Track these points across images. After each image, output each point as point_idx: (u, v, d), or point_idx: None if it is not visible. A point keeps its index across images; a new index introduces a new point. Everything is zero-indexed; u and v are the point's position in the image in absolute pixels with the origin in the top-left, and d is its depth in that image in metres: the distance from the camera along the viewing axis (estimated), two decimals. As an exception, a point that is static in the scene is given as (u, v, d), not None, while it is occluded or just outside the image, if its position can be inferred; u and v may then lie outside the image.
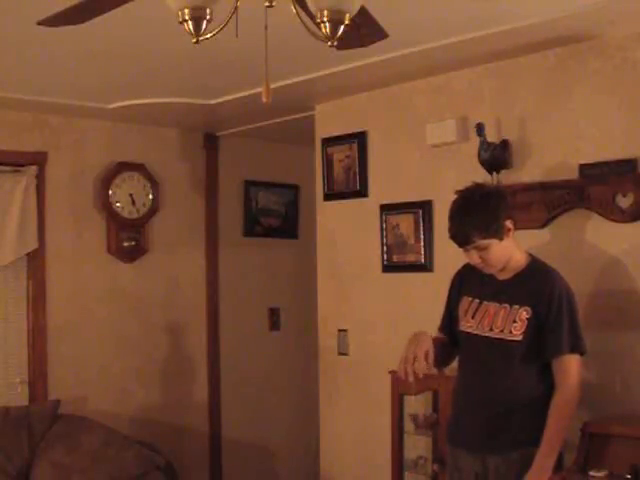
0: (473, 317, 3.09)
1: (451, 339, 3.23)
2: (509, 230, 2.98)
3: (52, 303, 5.00)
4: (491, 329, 3.03)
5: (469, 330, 3.10)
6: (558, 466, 2.98)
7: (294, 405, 6.05)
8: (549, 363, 2.97)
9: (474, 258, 2.99)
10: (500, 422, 2.98)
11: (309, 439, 5.87)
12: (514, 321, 2.98)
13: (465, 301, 3.15)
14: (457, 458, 3.13)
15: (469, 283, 3.18)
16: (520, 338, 2.96)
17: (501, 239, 2.95)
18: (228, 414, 5.70)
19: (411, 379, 2.97)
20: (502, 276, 3.06)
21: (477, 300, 3.11)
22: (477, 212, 2.94)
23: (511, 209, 3.07)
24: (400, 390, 3.95)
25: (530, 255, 3.10)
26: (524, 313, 2.97)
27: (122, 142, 5.29)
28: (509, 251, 3.01)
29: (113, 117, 5.08)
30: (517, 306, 2.99)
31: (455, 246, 3.03)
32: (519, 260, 3.06)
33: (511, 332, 2.97)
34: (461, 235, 2.97)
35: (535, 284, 3.00)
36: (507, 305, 3.01)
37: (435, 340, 3.11)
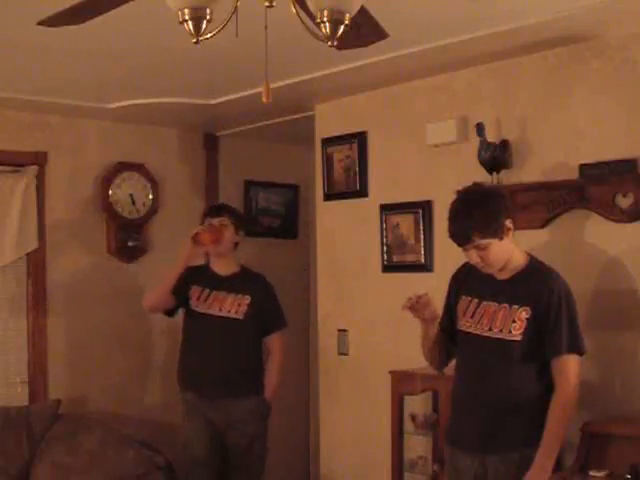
0: (472, 317, 3.09)
1: (449, 339, 3.23)
2: (509, 230, 2.99)
3: (52, 303, 5.00)
4: (490, 329, 3.03)
5: (468, 330, 3.10)
6: (558, 466, 2.98)
7: (294, 405, 6.04)
8: (548, 363, 2.97)
9: (474, 258, 2.99)
10: (499, 422, 2.98)
11: (309, 439, 5.87)
12: (513, 321, 2.98)
13: (464, 301, 3.15)
14: (456, 459, 3.12)
15: (468, 283, 3.18)
16: (519, 338, 2.96)
17: (501, 239, 2.96)
18: (228, 414, 5.70)
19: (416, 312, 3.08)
20: (501, 276, 3.07)
21: (476, 300, 3.11)
22: (477, 212, 2.95)
23: (511, 209, 3.08)
24: (403, 390, 3.95)
25: (529, 255, 3.10)
26: (523, 313, 2.97)
27: (122, 142, 5.29)
28: (509, 251, 3.01)
29: (113, 117, 5.08)
30: (516, 306, 2.99)
31: (455, 246, 3.04)
32: (518, 260, 3.06)
33: (510, 332, 2.98)
34: (461, 235, 2.97)
35: (534, 284, 3.00)
36: (506, 305, 3.01)
37: (436, 335, 3.15)
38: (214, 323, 4.27)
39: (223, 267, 4.39)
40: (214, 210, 4.44)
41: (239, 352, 4.26)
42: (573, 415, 2.99)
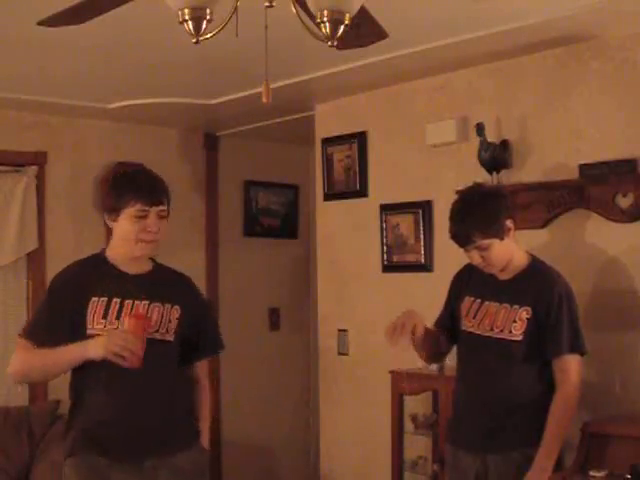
0: (474, 317, 3.09)
1: (447, 336, 3.22)
2: (510, 230, 2.99)
3: (52, 303, 5.00)
4: (491, 329, 3.02)
5: (470, 330, 3.10)
6: (558, 466, 2.98)
7: (294, 405, 6.04)
8: (549, 363, 2.97)
9: (475, 258, 2.99)
10: (500, 422, 2.98)
11: (309, 439, 5.87)
12: (514, 321, 2.98)
13: (467, 301, 3.15)
14: (457, 458, 3.12)
15: (471, 283, 3.18)
16: (520, 338, 2.96)
17: (502, 239, 2.96)
18: (228, 414, 5.70)
19: (393, 344, 3.01)
20: (503, 276, 3.06)
21: (478, 300, 3.10)
22: (478, 212, 2.95)
23: (511, 209, 3.08)
24: (398, 390, 3.96)
25: (530, 255, 3.10)
26: (524, 313, 2.97)
27: (122, 142, 5.30)
28: (510, 251, 3.01)
29: (113, 117, 5.08)
30: (517, 306, 2.99)
31: (455, 246, 3.03)
32: (520, 260, 3.06)
33: (511, 332, 2.97)
34: (462, 235, 2.97)
35: (536, 284, 3.00)
36: (507, 305, 3.01)
37: (427, 330, 3.11)
38: None
39: (133, 262, 2.84)
40: (153, 194, 2.89)
41: (170, 389, 2.76)
42: (574, 415, 2.99)
